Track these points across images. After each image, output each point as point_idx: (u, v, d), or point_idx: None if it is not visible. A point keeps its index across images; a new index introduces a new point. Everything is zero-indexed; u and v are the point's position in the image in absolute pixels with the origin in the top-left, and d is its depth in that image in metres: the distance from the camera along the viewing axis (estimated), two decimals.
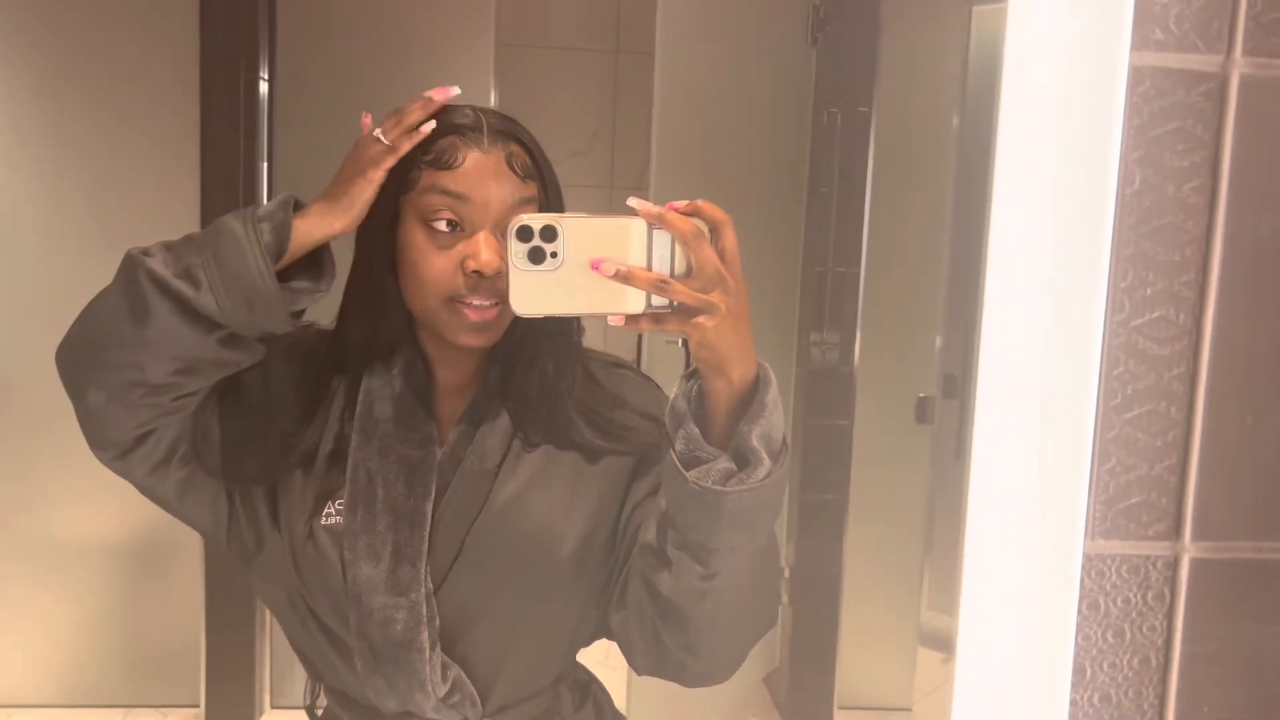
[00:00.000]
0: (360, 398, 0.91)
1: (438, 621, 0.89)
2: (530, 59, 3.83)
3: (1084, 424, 0.46)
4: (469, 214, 0.85)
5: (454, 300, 0.86)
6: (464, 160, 0.85)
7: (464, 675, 0.90)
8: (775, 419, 0.73)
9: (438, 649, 0.89)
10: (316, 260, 0.89)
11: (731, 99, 2.62)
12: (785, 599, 3.04)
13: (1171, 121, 0.50)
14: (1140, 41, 0.48)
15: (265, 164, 2.70)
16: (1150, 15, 0.48)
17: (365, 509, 0.88)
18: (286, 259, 0.85)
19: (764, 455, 0.72)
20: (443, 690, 0.89)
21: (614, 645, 0.96)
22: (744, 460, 0.73)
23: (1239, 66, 0.49)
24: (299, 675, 1.03)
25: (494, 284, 0.85)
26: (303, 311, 0.90)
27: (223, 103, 2.62)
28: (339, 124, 2.75)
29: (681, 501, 0.75)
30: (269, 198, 2.71)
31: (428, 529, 0.88)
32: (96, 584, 2.82)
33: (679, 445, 0.74)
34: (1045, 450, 0.47)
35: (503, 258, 0.83)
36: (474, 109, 0.89)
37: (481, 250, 0.84)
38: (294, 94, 2.74)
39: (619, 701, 1.09)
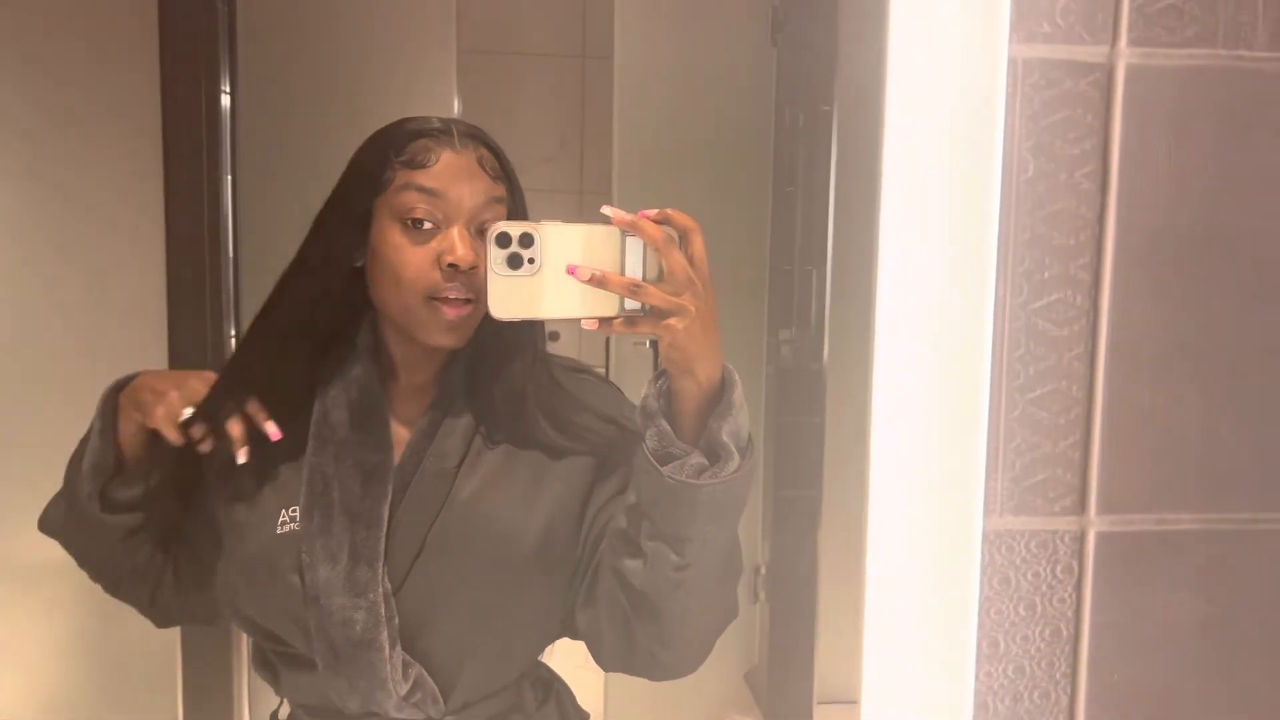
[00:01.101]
0: (316, 406, 0.92)
1: (397, 620, 0.90)
2: (494, 66, 3.84)
3: (979, 405, 0.48)
4: (444, 210, 0.87)
5: (432, 297, 0.87)
6: (438, 160, 0.88)
7: (425, 673, 0.91)
8: (742, 417, 0.76)
9: (398, 648, 0.90)
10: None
11: (693, 101, 2.64)
12: (762, 596, 3.06)
13: (1061, 110, 0.51)
14: (1029, 35, 0.50)
15: (230, 177, 2.70)
16: (1038, 9, 0.50)
17: (321, 513, 0.89)
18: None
19: (734, 450, 0.75)
20: (404, 689, 0.90)
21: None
22: (715, 455, 0.76)
23: (1124, 56, 0.51)
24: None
25: (469, 279, 0.87)
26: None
27: (184, 117, 2.61)
28: (302, 135, 2.75)
29: (656, 495, 0.78)
30: (234, 210, 2.72)
31: (384, 530, 0.89)
32: (67, 602, 2.80)
33: (651, 442, 0.77)
34: (943, 432, 0.48)
35: (477, 253, 0.86)
36: (439, 119, 0.93)
37: (457, 244, 0.86)
38: (256, 106, 2.74)
39: (597, 705, 1.10)
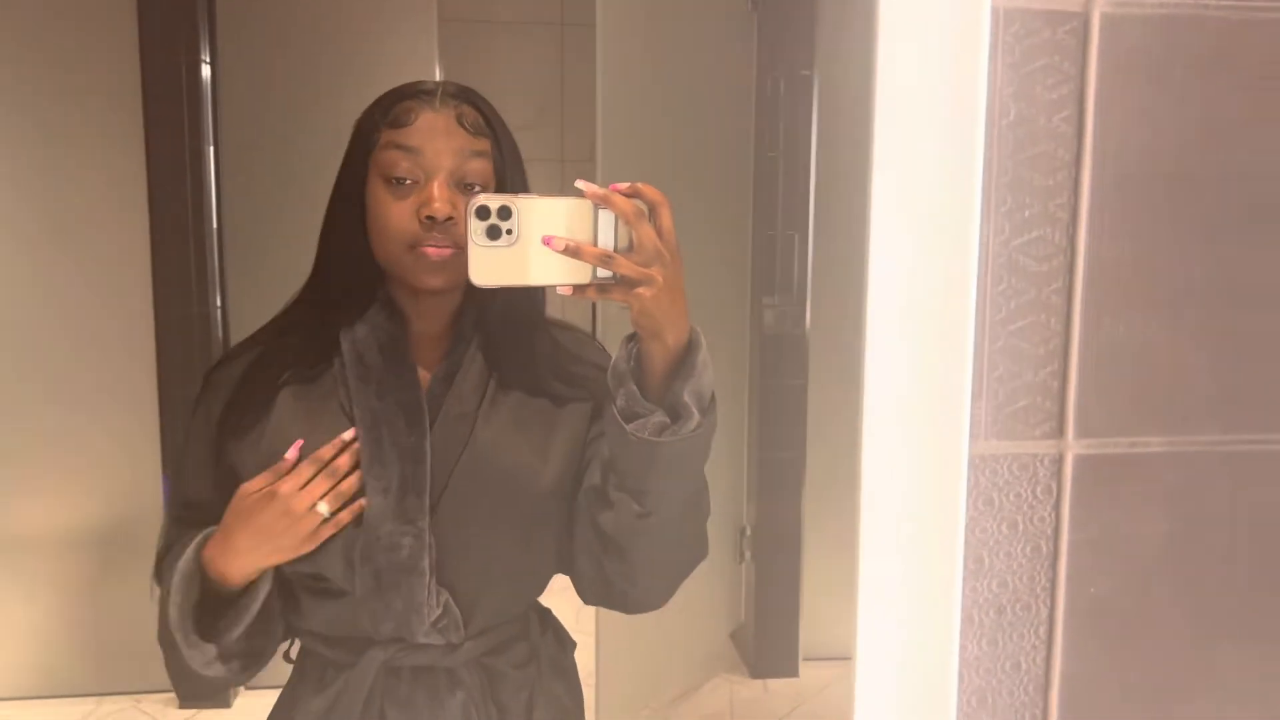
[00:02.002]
0: (347, 348, 0.97)
1: (435, 550, 0.96)
2: (475, 34, 3.83)
3: (965, 337, 0.51)
4: (422, 166, 0.93)
5: (414, 246, 0.93)
6: (416, 119, 0.94)
7: (452, 600, 0.97)
8: (705, 378, 0.84)
9: (434, 575, 0.96)
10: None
11: (675, 69, 2.66)
12: (748, 556, 3.12)
13: (1040, 58, 0.55)
14: None
15: (212, 148, 2.70)
16: None
17: (375, 446, 0.94)
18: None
19: (694, 410, 0.83)
20: (436, 613, 0.96)
21: (584, 613, 1.05)
22: (676, 414, 0.84)
23: (1099, 6, 0.55)
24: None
25: (447, 229, 0.92)
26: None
27: (165, 88, 2.61)
28: (283, 104, 2.75)
29: (622, 450, 0.86)
30: (217, 182, 2.71)
31: (429, 463, 0.95)
32: (61, 575, 2.82)
33: (620, 401, 0.84)
34: (931, 363, 0.52)
35: (454, 206, 0.92)
36: (433, 81, 0.98)
37: (434, 198, 0.92)
38: (236, 76, 2.73)
39: (589, 665, 1.18)
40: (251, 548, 0.92)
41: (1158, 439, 0.59)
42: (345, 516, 0.93)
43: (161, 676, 2.84)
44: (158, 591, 0.98)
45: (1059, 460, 0.58)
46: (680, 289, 0.80)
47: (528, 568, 1.02)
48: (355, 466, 0.93)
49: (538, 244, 0.76)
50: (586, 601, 1.03)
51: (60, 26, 2.63)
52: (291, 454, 0.93)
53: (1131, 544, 0.59)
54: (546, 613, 1.11)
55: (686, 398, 0.82)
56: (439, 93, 0.96)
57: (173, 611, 0.93)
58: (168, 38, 2.61)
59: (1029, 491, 0.57)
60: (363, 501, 0.93)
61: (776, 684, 3.05)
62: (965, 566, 0.57)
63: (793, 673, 3.08)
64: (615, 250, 0.77)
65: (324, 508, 0.91)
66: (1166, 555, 0.59)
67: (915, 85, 0.50)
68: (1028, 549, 0.58)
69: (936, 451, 0.53)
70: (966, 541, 0.57)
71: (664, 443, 0.83)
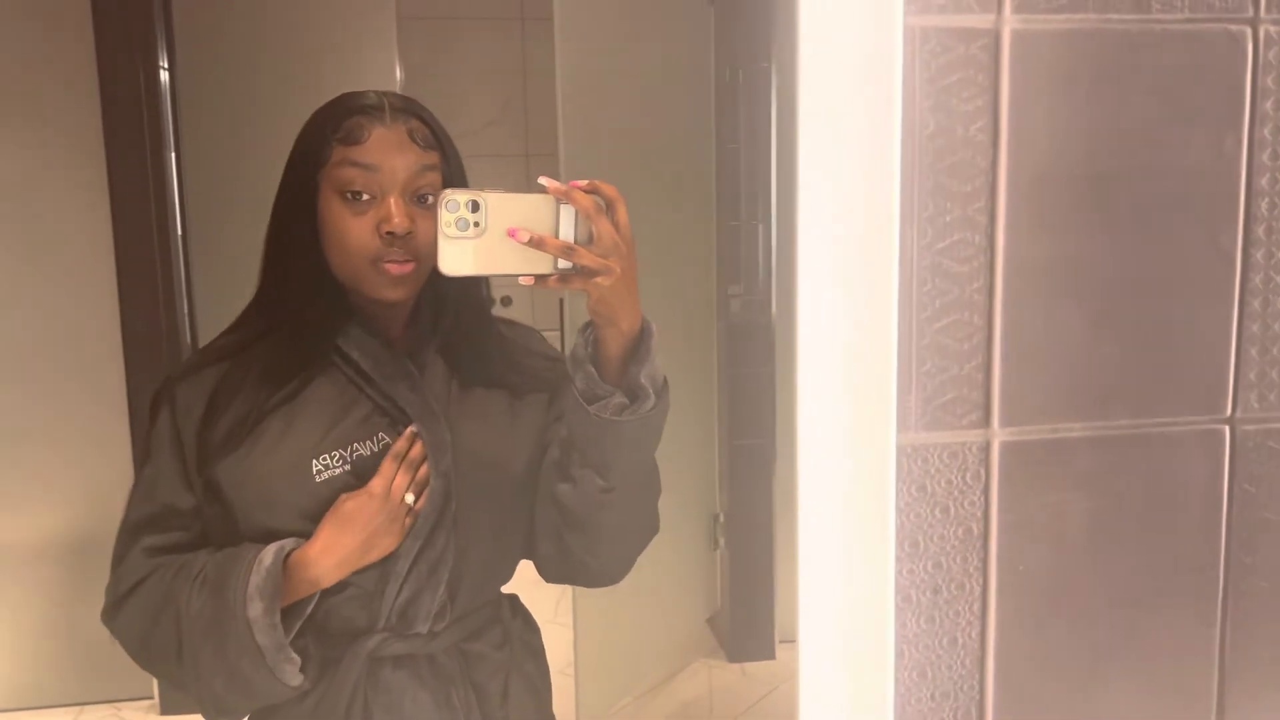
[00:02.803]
0: (355, 353, 1.00)
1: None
2: (434, 31, 3.83)
3: (889, 336, 0.55)
4: (378, 182, 0.95)
5: (376, 260, 0.96)
6: (370, 136, 0.95)
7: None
8: (657, 362, 0.90)
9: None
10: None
11: (634, 62, 2.68)
12: (722, 542, 3.16)
13: (955, 73, 0.58)
14: (923, 7, 0.57)
15: (174, 154, 2.69)
16: None
17: (388, 449, 0.98)
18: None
19: (650, 391, 0.90)
20: (441, 602, 1.02)
21: (561, 603, 1.11)
22: (634, 395, 0.90)
23: (1009, 23, 0.58)
24: None
25: (407, 243, 0.95)
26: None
27: (124, 95, 2.60)
28: (245, 108, 2.75)
29: (584, 429, 0.91)
30: (180, 187, 2.71)
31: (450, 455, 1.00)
32: (36, 586, 2.82)
33: (580, 384, 0.90)
34: (861, 362, 0.56)
35: (412, 219, 0.95)
36: (376, 93, 0.99)
37: (393, 214, 0.94)
38: (196, 81, 2.73)
39: (567, 654, 1.23)
40: (360, 548, 0.95)
41: (1078, 425, 0.63)
42: (422, 502, 0.98)
43: (140, 684, 2.83)
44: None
45: (986, 448, 0.62)
46: (634, 279, 0.86)
47: (502, 553, 1.07)
48: (424, 456, 0.99)
49: (503, 236, 0.81)
50: (548, 579, 1.08)
51: (15, 34, 2.62)
52: (402, 443, 0.98)
53: (1056, 524, 0.63)
54: (514, 598, 1.16)
55: (643, 380, 0.89)
56: (387, 107, 0.97)
57: (264, 637, 0.93)
58: (125, 44, 2.60)
59: (959, 478, 0.61)
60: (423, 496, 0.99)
61: (754, 667, 3.10)
62: (901, 549, 0.61)
63: (769, 655, 3.13)
64: (576, 242, 0.82)
65: (410, 498, 0.97)
66: (1089, 533, 0.64)
67: (836, 104, 0.53)
68: (960, 531, 0.62)
69: (868, 443, 0.57)
70: (902, 526, 0.60)
71: (624, 421, 0.89)
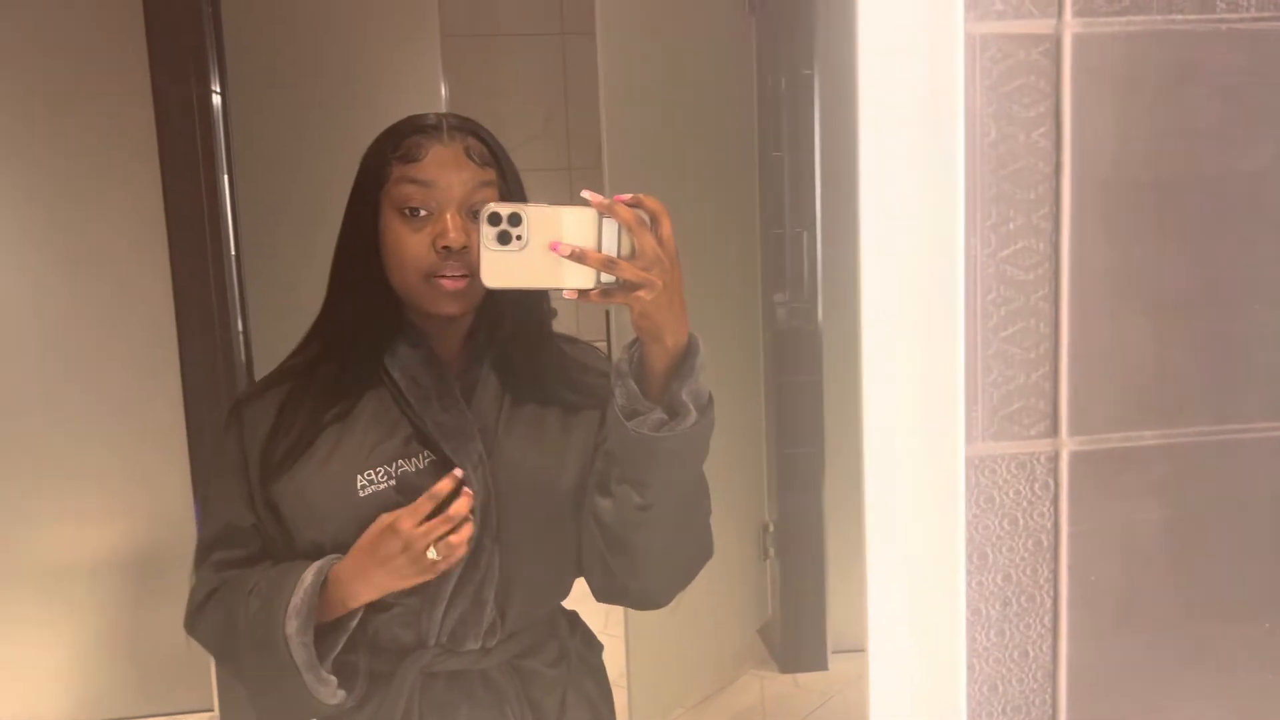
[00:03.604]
0: (396, 373, 1.01)
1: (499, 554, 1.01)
2: (477, 49, 3.87)
3: (956, 346, 0.55)
4: (435, 198, 0.97)
5: (430, 275, 0.97)
6: (427, 153, 0.98)
7: (494, 605, 1.02)
8: (702, 379, 0.89)
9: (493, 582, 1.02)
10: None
11: (677, 73, 2.69)
12: (771, 552, 3.15)
13: (1017, 79, 0.58)
14: (983, 13, 0.56)
15: (226, 176, 2.75)
16: None
17: (462, 458, 0.99)
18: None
19: (691, 408, 0.88)
20: (491, 619, 1.02)
21: (612, 615, 1.11)
22: (674, 411, 0.88)
23: (1070, 27, 0.58)
24: None
25: (462, 258, 0.97)
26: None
27: (178, 118, 2.65)
28: (295, 128, 2.80)
29: (623, 445, 0.91)
30: (233, 209, 2.76)
31: (487, 474, 1.00)
32: (97, 600, 2.88)
33: (620, 399, 0.89)
34: (926, 373, 0.55)
35: (468, 234, 0.96)
36: (436, 114, 1.02)
37: (449, 229, 0.96)
38: (247, 104, 2.78)
39: (620, 665, 1.23)
40: (383, 577, 0.95)
41: (1150, 432, 0.62)
42: (445, 564, 0.95)
43: (201, 696, 2.88)
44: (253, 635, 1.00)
45: (1055, 458, 0.61)
46: (679, 294, 0.85)
47: (553, 570, 1.07)
48: (465, 515, 0.94)
49: (545, 249, 0.81)
50: (598, 599, 1.07)
51: (72, 60, 2.69)
52: (444, 484, 0.94)
53: (1128, 534, 0.62)
54: (573, 615, 1.16)
55: (684, 396, 0.87)
56: (444, 126, 1.00)
57: (299, 654, 0.95)
58: (178, 70, 2.66)
59: (1027, 489, 0.61)
60: (461, 550, 0.95)
61: (806, 678, 3.08)
62: (970, 562, 0.60)
63: (822, 666, 3.10)
64: (618, 256, 0.82)
65: (433, 554, 0.93)
66: (1162, 543, 0.62)
67: (897, 113, 0.53)
68: (1029, 543, 0.61)
69: (935, 455, 0.56)
70: (970, 539, 0.60)
71: (661, 437, 0.88)
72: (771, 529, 3.15)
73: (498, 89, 3.91)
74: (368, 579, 0.95)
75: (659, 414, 0.88)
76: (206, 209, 2.71)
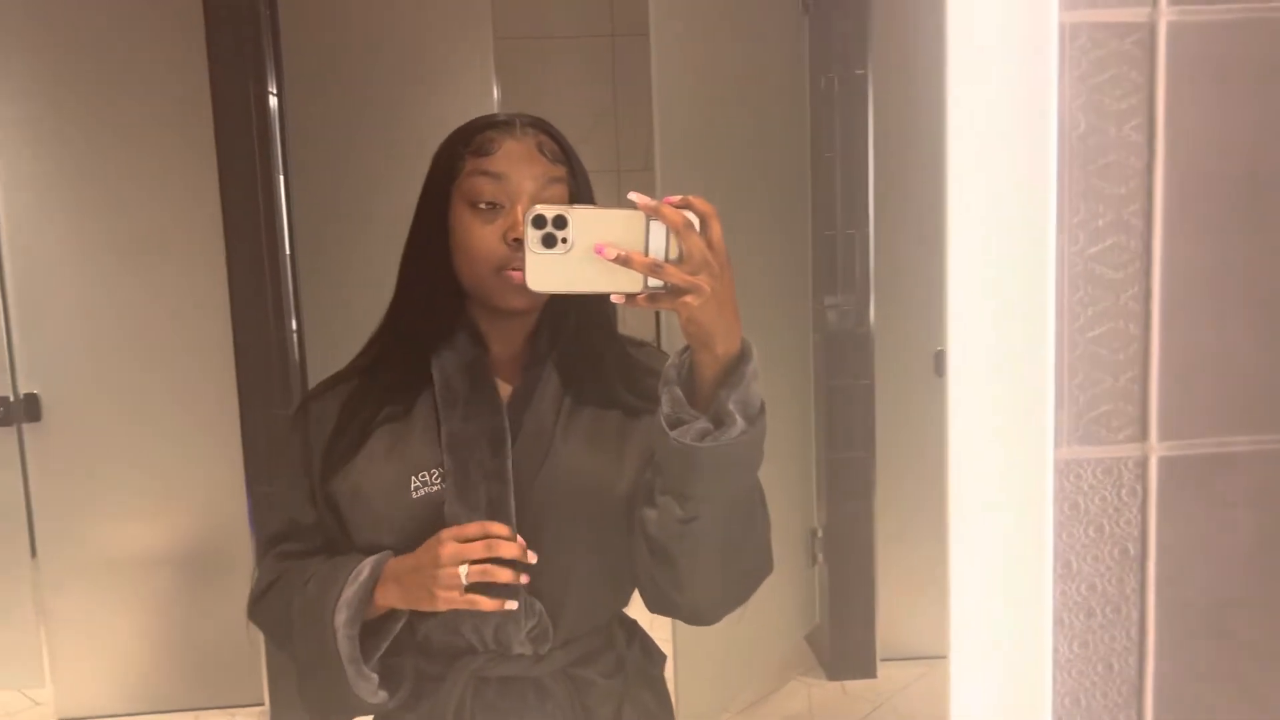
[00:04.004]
0: (435, 374, 1.02)
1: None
2: (529, 51, 3.89)
3: (1046, 345, 0.53)
4: (507, 191, 0.97)
5: (501, 269, 0.97)
6: (500, 147, 0.98)
7: (544, 610, 1.01)
8: (753, 388, 0.85)
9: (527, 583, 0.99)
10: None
11: (729, 73, 2.67)
12: (820, 558, 3.11)
13: (1108, 70, 0.56)
14: (1074, 2, 0.54)
15: (282, 176, 2.78)
16: None
17: (461, 471, 0.98)
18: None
19: (738, 418, 0.84)
20: (531, 621, 1.00)
21: (658, 619, 1.08)
22: (720, 421, 0.85)
23: (1165, 15, 0.55)
24: None
25: None
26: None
27: (235, 121, 2.70)
28: (349, 131, 2.83)
29: (665, 454, 0.87)
30: (289, 209, 2.80)
31: (512, 484, 0.99)
32: (156, 595, 2.93)
33: (665, 406, 0.86)
34: (1012, 375, 0.53)
35: None
36: (505, 114, 1.03)
37: (519, 222, 0.96)
38: (303, 106, 2.82)
39: (667, 670, 1.20)
40: (415, 588, 0.95)
41: (1243, 438, 0.59)
42: (485, 604, 0.94)
43: (253, 691, 2.92)
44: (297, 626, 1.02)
45: (1143, 463, 0.58)
46: (730, 299, 0.82)
47: (609, 576, 1.05)
48: (518, 562, 0.94)
49: (591, 252, 0.79)
50: (650, 609, 1.05)
51: (133, 64, 2.74)
52: (498, 527, 0.95)
53: (1221, 544, 0.59)
54: (634, 625, 1.14)
55: (731, 405, 0.83)
56: (517, 123, 1.01)
57: (344, 647, 0.96)
58: (236, 72, 2.70)
59: (1114, 495, 0.58)
60: (506, 604, 0.95)
61: (855, 685, 3.04)
62: (1054, 571, 0.58)
63: (870, 674, 3.07)
64: (666, 260, 0.79)
65: (464, 570, 0.93)
66: (1256, 552, 0.60)
67: (986, 103, 0.51)
68: (1115, 552, 0.59)
69: (1021, 460, 0.55)
70: (1054, 546, 0.58)
71: (703, 448, 0.84)
72: (820, 534, 3.11)
73: (548, 91, 3.92)
74: (402, 584, 0.96)
75: (703, 423, 0.84)
76: (262, 208, 2.75)
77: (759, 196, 2.77)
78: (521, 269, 0.95)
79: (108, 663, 2.95)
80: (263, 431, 2.77)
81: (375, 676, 0.98)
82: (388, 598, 0.97)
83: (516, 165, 0.98)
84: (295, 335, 2.84)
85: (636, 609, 1.11)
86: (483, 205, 0.98)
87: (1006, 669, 0.56)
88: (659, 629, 2.57)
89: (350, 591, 0.96)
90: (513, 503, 0.98)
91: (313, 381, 3.07)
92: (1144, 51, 0.56)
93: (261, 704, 2.94)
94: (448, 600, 0.93)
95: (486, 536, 0.94)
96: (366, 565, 0.98)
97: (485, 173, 0.98)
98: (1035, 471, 0.54)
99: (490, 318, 1.03)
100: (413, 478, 0.99)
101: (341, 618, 0.96)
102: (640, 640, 1.13)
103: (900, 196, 2.97)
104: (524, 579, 0.96)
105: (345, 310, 3.08)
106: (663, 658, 1.16)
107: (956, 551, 0.54)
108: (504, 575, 0.94)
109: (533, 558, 0.96)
